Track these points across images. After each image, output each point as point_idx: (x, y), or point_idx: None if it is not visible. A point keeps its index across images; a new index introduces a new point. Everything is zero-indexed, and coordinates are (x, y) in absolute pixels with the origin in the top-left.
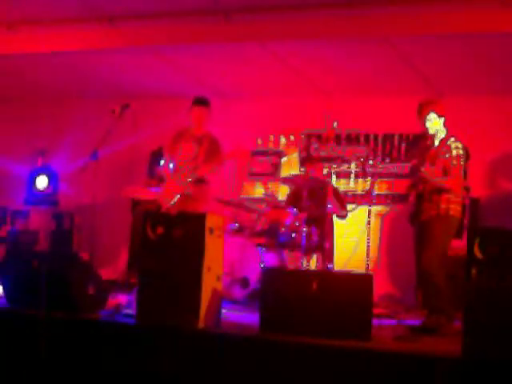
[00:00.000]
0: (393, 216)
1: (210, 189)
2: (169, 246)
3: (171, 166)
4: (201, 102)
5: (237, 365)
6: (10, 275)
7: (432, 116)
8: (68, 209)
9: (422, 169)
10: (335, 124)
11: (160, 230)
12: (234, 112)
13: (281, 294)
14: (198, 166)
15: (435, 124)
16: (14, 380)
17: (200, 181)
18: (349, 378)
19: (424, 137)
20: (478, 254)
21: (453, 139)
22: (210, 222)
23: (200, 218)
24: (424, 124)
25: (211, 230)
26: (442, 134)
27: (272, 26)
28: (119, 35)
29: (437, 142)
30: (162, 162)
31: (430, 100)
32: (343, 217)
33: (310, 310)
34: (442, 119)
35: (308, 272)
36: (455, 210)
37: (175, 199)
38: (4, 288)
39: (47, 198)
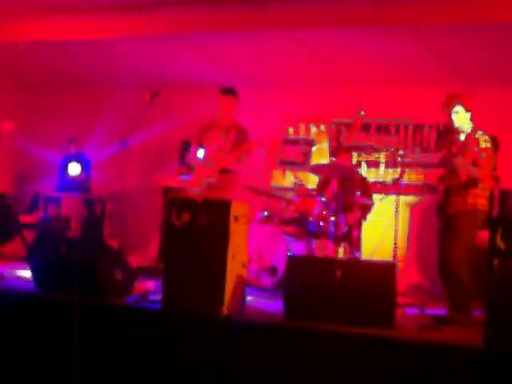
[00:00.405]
0: (422, 206)
1: (238, 178)
2: (194, 232)
3: (199, 155)
4: (228, 91)
5: (260, 352)
6: (39, 260)
7: (458, 108)
8: (100, 196)
9: (455, 160)
10: (362, 113)
11: (185, 217)
12: (265, 101)
13: (305, 281)
14: (225, 156)
15: (462, 117)
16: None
17: (227, 170)
18: (371, 365)
19: (453, 130)
20: (500, 244)
21: (480, 132)
22: (235, 209)
23: (225, 206)
24: (450, 116)
25: (236, 218)
26: (468, 128)
27: (299, 14)
28: (152, 23)
29: (463, 136)
30: (191, 151)
31: (458, 93)
32: (368, 208)
33: (333, 297)
34: (469, 114)
35: (332, 260)
36: (482, 204)
37: (201, 188)
38: (32, 272)
39: (79, 185)
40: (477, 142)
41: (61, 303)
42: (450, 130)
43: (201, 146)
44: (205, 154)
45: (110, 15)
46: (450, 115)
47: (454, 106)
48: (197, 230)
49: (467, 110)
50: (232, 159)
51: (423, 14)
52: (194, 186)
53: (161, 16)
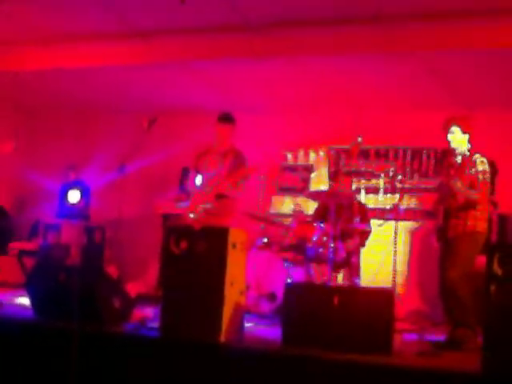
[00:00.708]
0: (422, 231)
1: (235, 203)
2: (192, 260)
3: (197, 181)
4: (225, 119)
5: (258, 379)
6: (38, 287)
7: (454, 129)
8: (99, 223)
9: (454, 182)
10: (360, 139)
11: (183, 244)
12: (263, 126)
13: (303, 308)
14: (221, 181)
15: (458, 138)
16: None
17: (223, 195)
18: None
19: (451, 152)
20: (497, 270)
21: (478, 155)
22: (233, 236)
23: (223, 233)
24: (447, 137)
25: (234, 245)
26: (466, 150)
27: (299, 41)
28: (151, 51)
29: (460, 158)
30: (189, 178)
31: (455, 116)
32: (367, 235)
33: (331, 324)
34: (467, 136)
35: (330, 287)
36: (482, 226)
37: (197, 214)
38: (32, 300)
39: (79, 212)
40: (474, 164)
41: (60, 331)
42: (448, 154)
43: (198, 172)
44: (202, 180)
45: (109, 42)
46: (447, 136)
47: (450, 127)
48: (195, 258)
49: (464, 132)
50: (229, 185)
51: (424, 39)
52: (190, 213)
53: (161, 43)
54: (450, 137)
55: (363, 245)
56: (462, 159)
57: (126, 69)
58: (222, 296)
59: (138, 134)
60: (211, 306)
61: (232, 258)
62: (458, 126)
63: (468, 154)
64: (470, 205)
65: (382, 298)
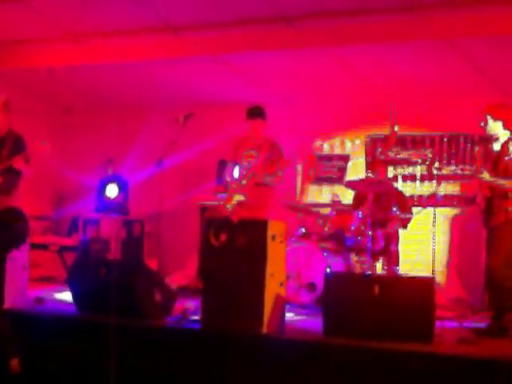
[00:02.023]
0: (461, 218)
1: (272, 195)
2: (232, 252)
3: (235, 173)
4: (253, 114)
5: (300, 369)
6: (79, 282)
7: (487, 119)
8: (138, 217)
9: (481, 175)
10: (396, 128)
11: (223, 236)
12: (300, 116)
13: (343, 298)
14: (257, 172)
15: (493, 127)
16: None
17: (260, 187)
18: (411, 380)
19: (488, 139)
20: None
21: None
22: (272, 228)
23: (262, 225)
24: (487, 125)
25: (273, 237)
26: (502, 137)
27: (333, 32)
28: (184, 45)
29: (498, 146)
30: (227, 170)
31: (489, 104)
32: (407, 224)
33: (372, 313)
34: (500, 122)
35: (370, 276)
36: None
37: (232, 205)
38: (73, 295)
39: (118, 207)
40: (508, 150)
41: (101, 325)
42: (485, 140)
43: (236, 163)
44: (239, 172)
45: (144, 37)
46: (481, 124)
47: (484, 117)
48: (235, 250)
49: (496, 119)
50: (265, 176)
51: (460, 26)
52: (226, 204)
53: (195, 36)
54: (482, 125)
55: (405, 227)
56: (498, 145)
57: (159, 63)
58: (262, 288)
59: (175, 129)
60: (252, 297)
61: (272, 250)
62: (489, 114)
63: (503, 140)
64: (508, 192)
65: (423, 286)
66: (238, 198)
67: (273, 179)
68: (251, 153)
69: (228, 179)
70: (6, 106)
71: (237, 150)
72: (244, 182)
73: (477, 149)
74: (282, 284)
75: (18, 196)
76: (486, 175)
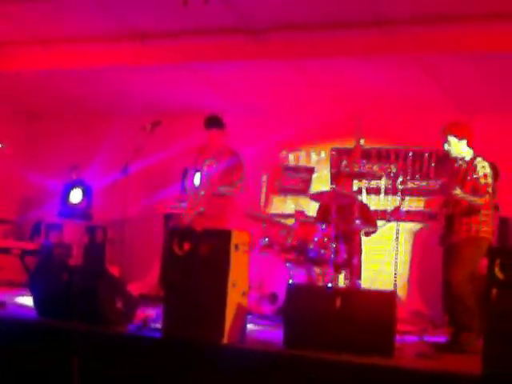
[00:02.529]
0: (424, 233)
1: (231, 204)
2: (195, 262)
3: (195, 181)
4: (209, 124)
5: (260, 380)
6: (41, 287)
7: (451, 139)
8: (101, 222)
9: (454, 191)
10: (362, 141)
11: (186, 246)
12: (265, 127)
13: (305, 310)
14: (215, 183)
15: (455, 147)
16: None
17: (218, 196)
18: None
19: (452, 158)
20: (498, 274)
21: (479, 159)
22: (236, 238)
23: (226, 235)
24: (445, 147)
25: (237, 246)
26: (467, 155)
27: (300, 44)
28: (151, 52)
29: (463, 163)
30: (188, 177)
31: (450, 123)
32: (370, 233)
33: (333, 326)
34: (464, 141)
35: (332, 288)
36: (485, 231)
37: (192, 215)
38: (34, 299)
39: (81, 212)
40: (475, 168)
41: (62, 331)
42: (449, 158)
43: (196, 171)
44: (199, 180)
45: (111, 44)
46: (444, 146)
47: (446, 137)
48: (198, 259)
49: (460, 139)
50: (223, 185)
51: (424, 43)
52: (186, 214)
53: (162, 44)
54: (447, 147)
55: (368, 235)
56: (464, 164)
57: (126, 70)
58: (224, 297)
59: (141, 136)
60: (214, 307)
61: (235, 260)
62: (453, 134)
63: (469, 158)
64: (473, 209)
65: (384, 300)
66: (197, 207)
67: (231, 189)
68: (210, 161)
69: (188, 188)
70: None
71: (197, 158)
72: (202, 192)
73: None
74: (244, 294)
75: None
76: (458, 191)
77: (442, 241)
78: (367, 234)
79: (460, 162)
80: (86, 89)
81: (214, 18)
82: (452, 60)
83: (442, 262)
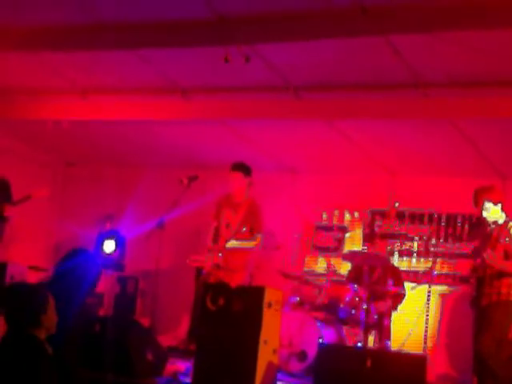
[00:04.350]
0: (454, 296)
1: (250, 257)
2: (227, 317)
3: (214, 234)
4: (237, 167)
5: None
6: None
7: (488, 205)
8: (133, 273)
9: (485, 254)
10: (397, 204)
11: (220, 301)
12: (300, 185)
13: (335, 369)
14: (233, 235)
15: (493, 212)
16: None
17: (236, 250)
18: None
19: (485, 221)
20: None
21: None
22: (269, 295)
23: (259, 292)
24: (481, 212)
25: (270, 304)
26: (500, 219)
27: (338, 104)
28: (191, 107)
29: (496, 227)
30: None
31: (484, 188)
32: (399, 301)
33: None
34: (499, 205)
35: (363, 349)
36: None
37: (209, 268)
38: None
39: (113, 262)
40: (508, 232)
41: (94, 381)
42: (482, 221)
43: (216, 223)
44: (218, 233)
45: (150, 97)
46: (480, 211)
47: (483, 203)
48: (231, 315)
49: (496, 203)
50: (241, 239)
51: (460, 107)
52: (204, 267)
53: (202, 100)
54: (485, 213)
55: (395, 308)
56: (497, 228)
57: (164, 123)
58: (255, 354)
59: (177, 189)
60: (245, 363)
61: (267, 317)
62: (489, 199)
63: (502, 222)
64: (504, 273)
65: (415, 363)
66: (215, 260)
67: (250, 242)
68: (229, 213)
69: (208, 240)
70: None
71: (218, 210)
72: (222, 244)
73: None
74: (274, 351)
75: None
76: (491, 255)
77: (473, 304)
78: (394, 307)
79: (493, 226)
80: (122, 140)
81: (254, 75)
82: (488, 125)
83: (473, 326)
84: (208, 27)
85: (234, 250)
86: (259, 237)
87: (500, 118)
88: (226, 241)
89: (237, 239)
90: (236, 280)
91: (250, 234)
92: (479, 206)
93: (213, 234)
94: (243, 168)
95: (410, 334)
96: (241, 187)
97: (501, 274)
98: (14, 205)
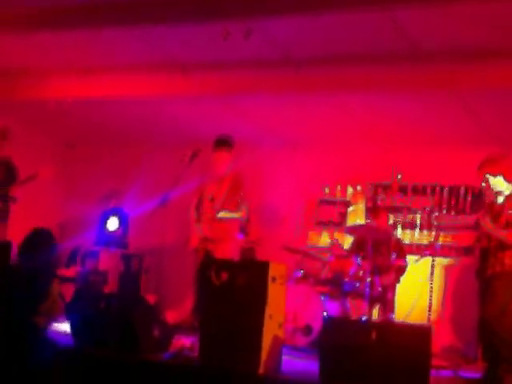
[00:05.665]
0: (458, 268)
1: (235, 228)
2: (232, 292)
3: (200, 207)
4: (220, 145)
5: None
6: (78, 315)
7: (487, 177)
8: (137, 251)
9: (482, 222)
10: (399, 176)
11: (224, 276)
12: (302, 160)
13: (341, 343)
14: (218, 207)
15: (495, 184)
16: None
17: (222, 221)
18: None
19: (489, 192)
20: None
21: None
22: (273, 270)
23: (263, 266)
24: (487, 181)
25: (274, 278)
26: (506, 190)
27: (339, 78)
28: (190, 84)
29: (501, 199)
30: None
31: (482, 162)
32: (401, 273)
33: (369, 359)
34: (501, 177)
35: (368, 322)
36: None
37: (196, 240)
38: (72, 327)
39: (117, 240)
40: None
41: (99, 358)
42: (485, 192)
43: (201, 197)
44: (202, 207)
45: (151, 74)
46: (482, 184)
47: (483, 177)
48: (235, 290)
49: (496, 175)
50: (226, 210)
51: (461, 78)
52: (191, 241)
53: (201, 76)
54: (484, 186)
55: (398, 281)
56: (501, 198)
57: (165, 100)
58: (261, 328)
59: (179, 166)
60: (250, 337)
61: (272, 291)
62: (489, 172)
63: (508, 192)
64: (508, 245)
65: (420, 334)
66: (204, 233)
67: (237, 213)
68: (213, 187)
69: (194, 214)
70: (4, 134)
71: (201, 184)
72: (207, 216)
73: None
74: (280, 326)
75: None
76: (489, 224)
77: (478, 275)
78: (397, 279)
79: (498, 197)
80: (123, 118)
81: (254, 51)
82: (488, 95)
83: (478, 296)
84: (206, 1)
85: (220, 221)
86: (244, 208)
87: (501, 88)
88: (215, 212)
89: (224, 210)
90: (225, 251)
91: (236, 205)
92: (480, 178)
93: (195, 209)
94: (227, 144)
95: (413, 305)
96: (225, 163)
97: (505, 246)
98: (19, 185)
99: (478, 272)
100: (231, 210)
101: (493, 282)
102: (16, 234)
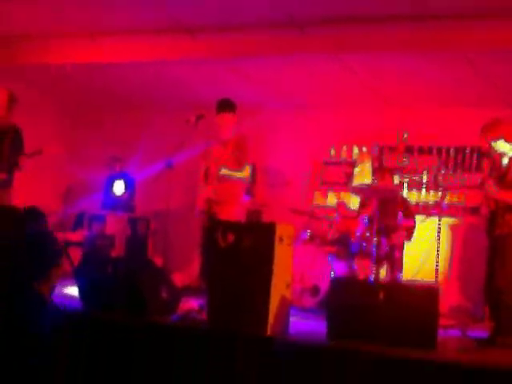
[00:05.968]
0: (465, 227)
1: (240, 189)
2: (238, 253)
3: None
4: (224, 107)
5: (303, 372)
6: (86, 279)
7: (489, 142)
8: (143, 214)
9: (486, 185)
10: (405, 135)
11: (230, 237)
12: (307, 121)
13: (348, 303)
14: (223, 167)
15: (497, 147)
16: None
17: (227, 182)
18: None
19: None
20: None
21: None
22: (280, 230)
23: (270, 227)
24: (490, 145)
25: (281, 239)
26: (509, 152)
27: (345, 38)
28: (198, 47)
29: (506, 159)
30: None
31: (484, 126)
32: (411, 231)
33: (376, 319)
34: (501, 140)
35: (375, 282)
36: None
37: (204, 204)
38: (80, 291)
39: (124, 204)
40: None
41: (107, 321)
42: (490, 153)
43: (206, 161)
44: (207, 170)
45: (157, 38)
46: (490, 145)
47: (483, 140)
48: (242, 251)
49: (496, 139)
50: (231, 170)
51: (468, 38)
52: (198, 203)
53: (208, 39)
54: (495, 147)
55: (409, 239)
56: (506, 159)
57: (171, 64)
58: (268, 289)
59: (184, 129)
60: (258, 299)
61: (279, 252)
62: (488, 138)
63: (510, 153)
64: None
65: (428, 293)
66: (208, 197)
67: (240, 174)
68: (217, 150)
69: (200, 180)
70: (11, 101)
71: (207, 149)
72: (212, 178)
73: (484, 160)
74: (287, 286)
75: None
76: (492, 188)
77: (488, 233)
78: (408, 237)
79: (502, 158)
80: (131, 82)
81: (259, 13)
82: (496, 55)
83: (487, 255)
84: None
85: (225, 182)
86: (247, 168)
87: (507, 48)
88: (218, 171)
89: (227, 167)
90: (230, 214)
91: (239, 165)
92: (489, 140)
93: (204, 174)
94: (230, 106)
95: (421, 263)
96: (229, 125)
97: (510, 209)
98: (26, 157)
99: (487, 230)
100: (234, 169)
101: (501, 243)
102: (21, 200)
